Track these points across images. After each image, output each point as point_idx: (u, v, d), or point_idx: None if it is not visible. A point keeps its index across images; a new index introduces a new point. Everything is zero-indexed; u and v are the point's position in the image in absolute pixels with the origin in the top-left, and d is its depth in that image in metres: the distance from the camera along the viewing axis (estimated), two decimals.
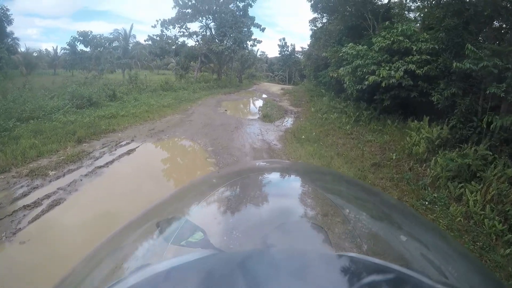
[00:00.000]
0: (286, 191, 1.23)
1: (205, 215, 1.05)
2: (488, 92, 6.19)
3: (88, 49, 26.89)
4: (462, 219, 4.89)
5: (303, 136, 10.02)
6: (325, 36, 20.77)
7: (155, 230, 0.94)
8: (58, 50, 34.03)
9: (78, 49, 27.18)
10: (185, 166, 7.38)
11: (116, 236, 0.98)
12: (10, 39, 29.07)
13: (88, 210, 4.81)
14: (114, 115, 11.55)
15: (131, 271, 0.72)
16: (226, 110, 15.48)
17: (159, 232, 0.91)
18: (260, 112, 15.14)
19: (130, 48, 30.87)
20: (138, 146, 8.26)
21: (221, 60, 30.84)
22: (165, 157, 8.00)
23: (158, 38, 28.66)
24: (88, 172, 6.22)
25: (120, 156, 7.28)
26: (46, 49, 29.93)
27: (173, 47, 28.81)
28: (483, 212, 4.94)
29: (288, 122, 13.44)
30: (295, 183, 1.35)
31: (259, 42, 32.12)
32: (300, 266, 0.66)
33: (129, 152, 7.64)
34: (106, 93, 14.98)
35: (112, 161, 6.90)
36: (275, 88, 34.84)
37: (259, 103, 19.86)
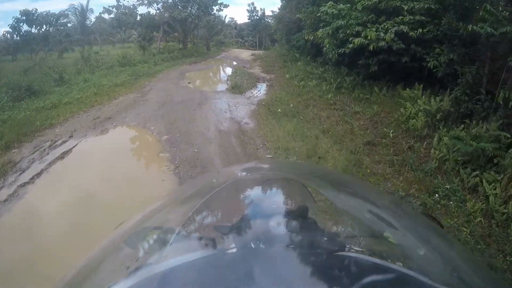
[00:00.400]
0: (284, 191, 1.24)
1: (205, 215, 1.04)
2: (510, 62, 5.00)
3: (33, 30, 23.63)
4: (482, 220, 3.83)
5: (279, 110, 8.64)
6: None
7: (154, 231, 0.94)
8: None
9: (23, 30, 23.61)
10: (129, 170, 5.73)
11: (116, 236, 1.01)
12: None
13: None
14: (55, 104, 9.77)
15: (131, 271, 0.70)
16: (189, 82, 13.73)
17: (158, 233, 0.92)
18: (228, 82, 13.52)
19: (88, 23, 28.47)
20: (76, 145, 6.75)
21: (185, 28, 28.12)
22: (106, 158, 6.30)
23: (114, 9, 26.49)
24: (9, 196, 4.63)
25: (51, 164, 5.78)
26: None
27: (132, 18, 26.53)
28: (506, 210, 3.87)
29: (261, 92, 11.96)
30: (291, 184, 1.31)
31: (226, 6, 29.52)
32: (300, 266, 0.66)
33: (63, 156, 6.17)
34: (52, 77, 12.88)
35: (39, 173, 5.38)
36: (246, 54, 32.51)
37: (228, 71, 18.06)
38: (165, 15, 25.65)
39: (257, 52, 35.36)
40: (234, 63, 23.26)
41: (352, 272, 0.65)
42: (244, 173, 1.56)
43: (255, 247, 0.78)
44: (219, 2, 28.15)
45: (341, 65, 10.94)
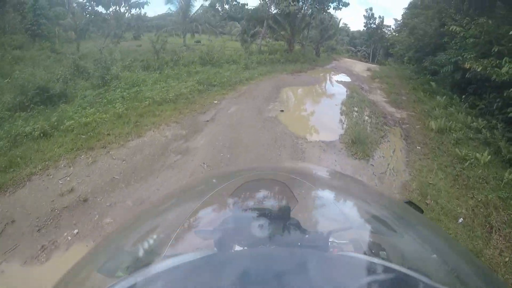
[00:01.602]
0: (286, 194, 1.17)
1: (205, 215, 1.01)
2: None
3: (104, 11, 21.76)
4: None
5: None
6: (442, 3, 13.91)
7: (154, 230, 0.94)
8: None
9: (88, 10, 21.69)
10: None
11: (116, 236, 1.00)
12: None
13: None
14: (47, 132, 5.71)
15: (131, 271, 0.70)
16: (282, 110, 8.43)
17: (158, 232, 0.92)
18: (344, 121, 8.13)
19: (191, 12, 26.94)
20: None
21: (293, 25, 23.09)
22: None
23: None
24: None
25: None
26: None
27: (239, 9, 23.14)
28: None
29: (397, 156, 6.25)
30: (297, 186, 1.23)
31: (346, 5, 22.82)
32: (300, 266, 0.63)
33: None
34: (98, 73, 9.25)
35: None
36: (360, 67, 26.61)
37: (341, 93, 12.48)
38: (271, 7, 21.04)
39: (372, 66, 29.65)
40: (347, 79, 17.41)
41: (352, 272, 0.63)
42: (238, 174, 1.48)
43: (254, 247, 0.78)
44: None
45: None
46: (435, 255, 0.83)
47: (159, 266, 0.69)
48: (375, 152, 6.19)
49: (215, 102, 8.63)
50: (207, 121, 7.02)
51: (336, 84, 15.29)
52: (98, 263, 0.84)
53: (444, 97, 11.34)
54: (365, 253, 0.77)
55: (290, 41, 24.10)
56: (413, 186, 4.93)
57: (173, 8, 28.34)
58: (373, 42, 44.71)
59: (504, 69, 6.82)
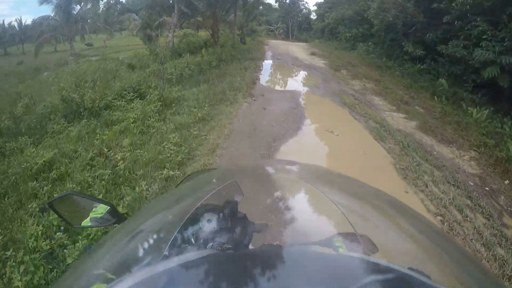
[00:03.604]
0: (289, 192, 1.20)
1: (206, 214, 0.96)
2: None
3: None
4: None
5: None
6: None
7: (154, 230, 0.91)
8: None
9: None
10: None
11: (116, 235, 0.98)
12: None
13: None
14: None
15: (131, 271, 0.69)
16: None
17: (159, 232, 0.90)
18: None
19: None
20: None
21: (216, 8, 17.28)
22: None
23: None
24: None
25: None
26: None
27: None
28: None
29: None
30: (299, 185, 1.25)
31: None
32: (300, 266, 0.63)
33: None
34: None
35: None
36: (296, 50, 22.34)
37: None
38: None
39: (304, 45, 26.43)
40: (310, 79, 12.49)
41: (352, 272, 0.62)
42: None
43: (254, 247, 0.81)
44: None
45: None
46: (434, 255, 0.81)
47: (159, 266, 0.65)
48: None
49: None
50: None
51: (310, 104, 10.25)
52: (98, 263, 0.81)
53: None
54: (365, 253, 0.72)
55: (213, 29, 18.29)
56: None
57: (49, 8, 20.49)
58: (290, 18, 42.71)
59: None
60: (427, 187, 5.31)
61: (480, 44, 8.04)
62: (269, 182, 1.27)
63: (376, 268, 0.62)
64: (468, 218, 4.78)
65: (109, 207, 1.09)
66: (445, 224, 4.65)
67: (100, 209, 1.07)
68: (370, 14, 16.00)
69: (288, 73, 14.20)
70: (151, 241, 0.86)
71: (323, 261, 0.67)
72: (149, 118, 6.56)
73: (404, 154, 6.18)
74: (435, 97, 9.78)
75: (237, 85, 9.20)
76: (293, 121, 6.85)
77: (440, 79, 10.13)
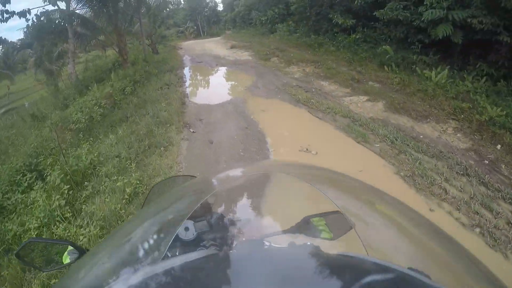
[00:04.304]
0: (289, 193, 1.19)
1: (206, 214, 1.02)
2: None
3: None
4: None
5: None
6: None
7: (154, 230, 0.90)
8: None
9: None
10: None
11: (116, 235, 0.98)
12: None
13: None
14: None
15: (131, 271, 0.67)
16: None
17: (159, 232, 0.88)
18: None
19: None
20: None
21: (117, 20, 14.70)
22: None
23: None
24: None
25: None
26: None
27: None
28: None
29: None
30: (298, 185, 1.13)
31: None
32: (300, 266, 0.63)
33: None
34: None
35: None
36: (212, 45, 20.95)
37: None
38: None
39: (219, 40, 24.77)
40: (246, 80, 10.90)
41: (352, 272, 0.61)
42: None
43: (255, 247, 0.78)
44: None
45: None
46: (434, 254, 0.79)
47: (159, 266, 0.64)
48: None
49: None
50: None
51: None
52: (98, 263, 0.80)
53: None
54: (365, 253, 0.70)
55: (120, 46, 15.67)
56: None
57: None
58: (197, 15, 41.44)
59: None
60: (446, 192, 4.23)
61: (425, 2, 7.18)
62: (257, 184, 1.24)
63: (376, 268, 0.61)
64: (499, 215, 3.90)
65: (69, 244, 1.08)
66: (487, 237, 3.61)
67: (64, 248, 1.08)
68: None
69: (216, 77, 12.50)
70: (152, 241, 0.82)
71: (323, 260, 0.65)
72: (57, 223, 4.07)
73: (398, 152, 5.07)
74: (385, 66, 8.94)
75: (164, 115, 7.04)
76: (255, 150, 5.21)
77: (382, 46, 9.28)
